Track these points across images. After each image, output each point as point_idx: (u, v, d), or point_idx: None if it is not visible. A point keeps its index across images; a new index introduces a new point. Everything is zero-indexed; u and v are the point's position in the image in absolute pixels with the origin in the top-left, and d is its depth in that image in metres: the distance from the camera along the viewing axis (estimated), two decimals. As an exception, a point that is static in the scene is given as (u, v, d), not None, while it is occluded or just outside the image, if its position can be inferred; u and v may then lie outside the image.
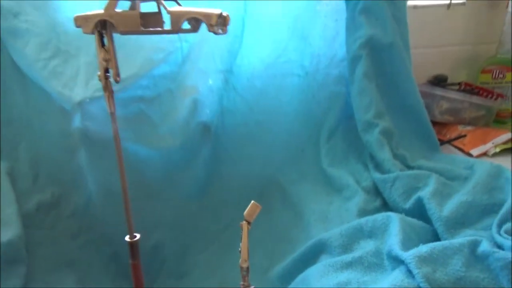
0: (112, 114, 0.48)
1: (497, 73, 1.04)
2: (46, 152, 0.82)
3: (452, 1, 1.05)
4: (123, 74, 0.80)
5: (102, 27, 0.42)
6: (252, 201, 0.44)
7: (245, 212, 0.43)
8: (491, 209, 0.62)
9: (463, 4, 1.07)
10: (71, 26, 0.84)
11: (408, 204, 0.66)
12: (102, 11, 0.43)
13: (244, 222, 0.43)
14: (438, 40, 1.10)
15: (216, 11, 0.40)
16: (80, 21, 0.42)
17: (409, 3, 1.09)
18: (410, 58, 0.81)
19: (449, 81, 1.09)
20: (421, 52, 1.09)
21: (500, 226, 0.58)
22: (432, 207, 0.62)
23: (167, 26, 0.44)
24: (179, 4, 0.44)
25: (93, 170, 0.79)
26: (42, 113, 0.81)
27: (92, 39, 0.84)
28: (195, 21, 0.40)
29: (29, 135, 0.82)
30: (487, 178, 0.66)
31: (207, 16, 0.39)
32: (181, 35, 0.83)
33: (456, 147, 0.93)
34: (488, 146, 0.91)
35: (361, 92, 0.77)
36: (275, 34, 0.84)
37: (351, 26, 0.80)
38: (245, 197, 0.87)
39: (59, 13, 0.85)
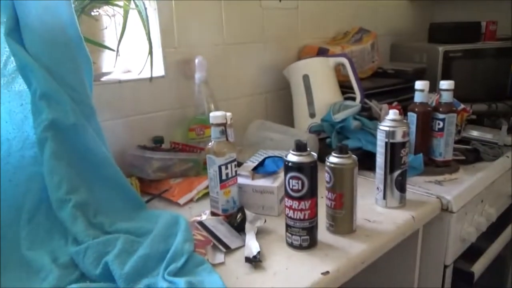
0: None
1: (199, 130, 1.26)
2: None
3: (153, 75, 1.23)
4: None
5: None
6: None
7: None
8: (166, 255, 0.73)
9: (162, 77, 1.27)
10: None
11: (98, 270, 0.72)
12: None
13: None
14: (153, 106, 1.26)
15: None
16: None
17: (113, 77, 1.23)
18: (101, 134, 0.91)
19: (166, 140, 1.26)
20: (136, 119, 1.23)
21: (165, 269, 0.69)
22: (115, 268, 0.70)
23: None
24: None
25: None
26: None
27: None
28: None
29: None
30: (164, 227, 0.79)
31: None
32: None
33: (167, 199, 1.07)
34: (193, 194, 1.08)
35: (50, 171, 0.81)
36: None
37: (35, 110, 0.84)
38: None
39: None
